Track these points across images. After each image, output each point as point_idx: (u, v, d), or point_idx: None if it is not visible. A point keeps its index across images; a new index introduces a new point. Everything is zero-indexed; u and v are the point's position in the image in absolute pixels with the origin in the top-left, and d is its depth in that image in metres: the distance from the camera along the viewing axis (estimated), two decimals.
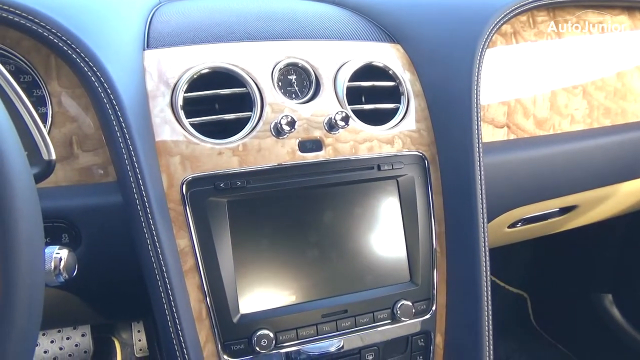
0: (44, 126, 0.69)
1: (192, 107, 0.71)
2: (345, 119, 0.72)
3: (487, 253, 0.76)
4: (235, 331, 0.67)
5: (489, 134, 0.87)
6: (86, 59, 0.63)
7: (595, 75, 0.94)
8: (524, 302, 1.55)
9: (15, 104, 0.46)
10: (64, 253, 0.49)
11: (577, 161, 0.92)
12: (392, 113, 0.80)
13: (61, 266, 0.48)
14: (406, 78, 0.81)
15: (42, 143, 0.48)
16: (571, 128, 0.93)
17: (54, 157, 0.48)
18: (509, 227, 0.98)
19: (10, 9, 0.61)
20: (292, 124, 0.70)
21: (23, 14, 0.61)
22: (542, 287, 1.52)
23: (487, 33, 0.77)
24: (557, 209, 1.00)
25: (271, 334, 0.67)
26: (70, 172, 0.69)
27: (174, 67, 0.72)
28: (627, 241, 1.33)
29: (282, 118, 0.69)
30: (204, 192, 0.68)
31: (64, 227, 0.67)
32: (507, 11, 0.78)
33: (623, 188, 1.00)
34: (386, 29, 0.89)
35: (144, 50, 0.74)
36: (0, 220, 0.36)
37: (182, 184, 0.67)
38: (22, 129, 0.47)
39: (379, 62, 0.80)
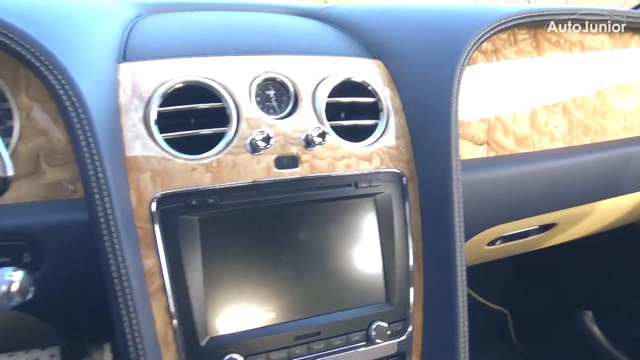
0: (10, 140, 0.66)
1: (166, 122, 0.69)
2: (322, 135, 0.71)
3: (464, 271, 0.75)
4: (203, 355, 0.64)
5: (468, 151, 0.87)
6: (54, 71, 0.61)
7: (575, 93, 0.94)
8: (504, 319, 1.54)
9: None
10: (17, 275, 0.46)
11: (557, 179, 0.91)
12: (371, 129, 0.78)
13: (13, 289, 0.45)
14: (386, 94, 0.80)
15: None
16: (551, 146, 0.93)
17: (10, 173, 0.46)
18: (488, 244, 0.97)
19: None
20: (267, 139, 0.68)
21: None
22: (523, 304, 1.52)
23: (468, 50, 0.76)
24: (537, 227, 0.99)
25: (241, 358, 0.65)
26: (36, 187, 0.66)
27: (149, 80, 0.70)
28: (607, 259, 1.33)
29: (257, 134, 0.68)
30: (175, 209, 0.66)
31: (25, 245, 0.64)
32: (488, 29, 0.78)
33: (601, 206, 0.99)
34: (367, 45, 0.88)
35: (119, 63, 0.72)
36: None
37: (152, 202, 0.65)
38: None
39: (358, 78, 0.79)
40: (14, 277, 0.46)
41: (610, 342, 1.33)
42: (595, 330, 1.35)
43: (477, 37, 0.77)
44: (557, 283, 1.44)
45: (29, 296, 0.48)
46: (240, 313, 0.67)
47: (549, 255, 1.23)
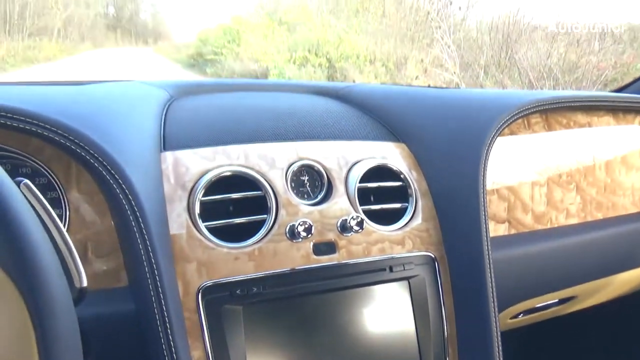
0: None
1: (206, 207, 0.72)
2: (360, 224, 0.74)
3: (501, 351, 0.76)
4: None
5: (491, 229, 0.90)
6: (108, 166, 0.64)
7: (587, 171, 1.00)
8: None
9: (51, 231, 0.46)
10: None
11: (575, 255, 0.95)
12: (400, 212, 0.82)
13: None
14: (413, 178, 0.84)
15: (74, 270, 0.47)
16: (567, 222, 0.97)
17: (85, 283, 0.48)
18: (511, 318, 0.99)
19: (34, 121, 0.61)
20: (309, 230, 0.71)
21: (47, 125, 0.62)
22: None
23: (490, 139, 0.81)
24: (556, 300, 1.02)
25: None
26: None
27: (191, 170, 0.73)
28: (619, 322, 1.35)
29: (299, 224, 0.71)
30: (220, 299, 0.67)
31: None
32: (509, 117, 0.83)
33: (619, 278, 1.03)
34: (390, 127, 0.93)
35: (160, 152, 0.75)
36: None
37: (198, 292, 0.67)
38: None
39: (388, 163, 0.83)
40: None
41: None
42: None
43: (499, 126, 0.82)
44: (570, 346, 1.44)
45: None
46: None
47: (561, 319, 1.24)
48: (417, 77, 7.15)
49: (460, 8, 8.59)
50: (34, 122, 0.60)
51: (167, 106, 0.92)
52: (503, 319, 0.97)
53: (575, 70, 6.04)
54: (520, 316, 1.00)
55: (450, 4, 8.65)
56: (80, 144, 0.62)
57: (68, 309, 0.39)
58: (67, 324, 0.38)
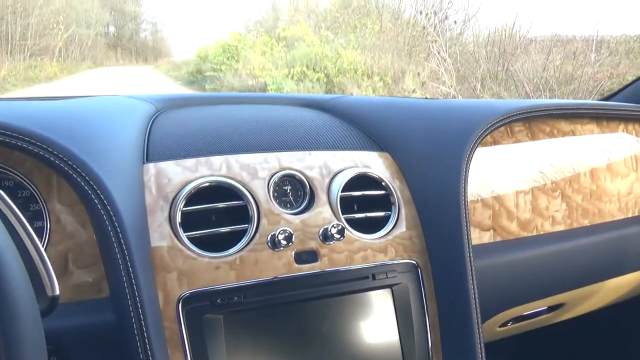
0: (41, 243, 0.69)
1: (188, 218, 0.72)
2: (341, 232, 0.74)
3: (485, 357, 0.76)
4: None
5: (476, 237, 0.90)
6: (87, 178, 0.64)
7: (572, 178, 1.00)
8: None
9: (24, 241, 0.47)
10: None
11: (562, 261, 0.94)
12: (383, 220, 0.82)
13: None
14: (396, 186, 0.84)
15: (47, 279, 0.47)
16: (553, 229, 0.97)
17: (57, 292, 0.48)
18: (500, 326, 0.98)
19: (14, 134, 0.62)
20: (289, 238, 0.71)
21: (26, 138, 0.63)
22: None
23: (471, 147, 0.82)
24: (545, 307, 1.01)
25: None
26: (63, 290, 0.67)
27: (173, 181, 0.74)
28: (611, 330, 1.34)
29: (279, 232, 0.71)
30: (200, 308, 0.67)
31: (51, 349, 0.65)
32: (489, 125, 0.84)
33: (607, 284, 1.02)
34: (374, 137, 0.94)
35: (143, 163, 0.76)
36: None
37: (179, 302, 0.67)
38: (28, 264, 0.47)
39: (370, 172, 0.84)
40: None
41: None
42: None
43: (479, 134, 0.83)
44: (564, 355, 1.43)
45: None
46: None
47: (554, 327, 1.24)
48: (414, 91, 7.20)
49: (455, 22, 8.70)
50: (14, 134, 0.61)
51: (152, 119, 0.92)
52: (492, 327, 0.96)
53: (571, 82, 6.08)
54: (509, 324, 0.99)
55: (446, 18, 8.76)
56: (59, 155, 0.63)
57: (33, 316, 0.39)
58: (31, 331, 0.38)
